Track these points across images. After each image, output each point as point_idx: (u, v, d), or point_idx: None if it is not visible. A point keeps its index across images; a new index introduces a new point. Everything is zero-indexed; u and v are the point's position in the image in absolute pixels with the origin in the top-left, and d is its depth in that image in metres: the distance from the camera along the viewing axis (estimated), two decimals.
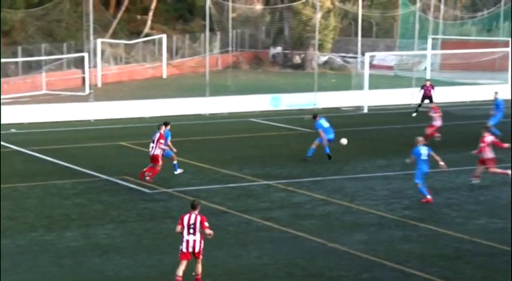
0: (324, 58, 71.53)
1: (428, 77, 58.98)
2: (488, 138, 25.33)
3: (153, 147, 25.94)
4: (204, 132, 36.88)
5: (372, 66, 58.84)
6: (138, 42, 63.71)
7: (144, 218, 21.48)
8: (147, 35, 67.03)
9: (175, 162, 27.01)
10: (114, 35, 62.78)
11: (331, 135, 28.96)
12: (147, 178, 25.80)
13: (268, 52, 75.79)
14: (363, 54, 55.42)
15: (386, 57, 69.59)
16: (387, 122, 39.36)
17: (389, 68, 66.54)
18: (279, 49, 75.43)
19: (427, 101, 40.64)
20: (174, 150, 27.01)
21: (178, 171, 27.01)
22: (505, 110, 36.86)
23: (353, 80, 49.95)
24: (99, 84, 53.56)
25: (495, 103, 36.60)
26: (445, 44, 68.75)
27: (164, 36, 64.91)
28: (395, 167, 27.76)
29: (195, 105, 43.26)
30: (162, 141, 25.86)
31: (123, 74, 59.62)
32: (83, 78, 52.62)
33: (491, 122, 34.49)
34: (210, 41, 54.43)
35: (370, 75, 45.86)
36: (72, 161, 29.08)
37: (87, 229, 20.34)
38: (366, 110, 44.13)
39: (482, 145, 25.22)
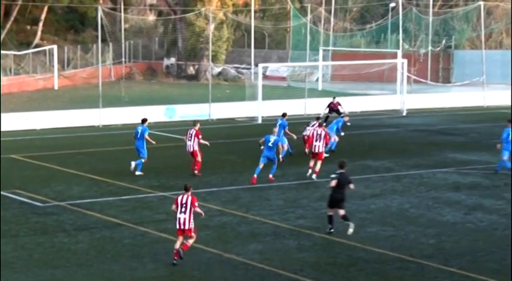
0: (217, 69, 71.85)
1: (320, 88, 60.22)
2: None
3: (189, 145, 28.63)
4: (98, 144, 36.44)
5: (265, 77, 59.46)
6: (28, 53, 62.45)
7: (36, 232, 21.05)
8: (37, 46, 65.83)
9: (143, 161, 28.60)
10: (2, 46, 61.33)
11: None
12: (196, 172, 28.39)
13: (162, 63, 75.61)
14: (256, 65, 55.99)
15: (279, 69, 70.46)
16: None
17: (283, 79, 67.38)
18: (172, 60, 75.35)
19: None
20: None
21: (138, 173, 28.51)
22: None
23: (247, 91, 50.36)
24: None
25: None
26: (336, 56, 70.13)
27: (55, 47, 63.86)
28: (290, 177, 28.10)
29: (88, 116, 42.71)
30: (200, 136, 28.67)
31: (12, 86, 58.26)
32: None
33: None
34: (102, 51, 53.83)
35: (264, 86, 46.32)
36: None
37: None
38: (260, 121, 44.52)
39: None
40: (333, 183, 20.67)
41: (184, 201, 18.12)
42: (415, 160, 31.89)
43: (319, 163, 27.57)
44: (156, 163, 31.10)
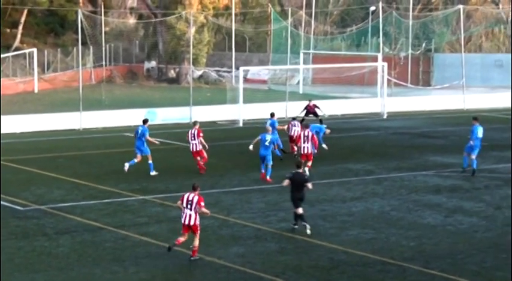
0: (198, 72, 71.80)
1: (301, 91, 60.34)
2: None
3: (193, 144, 29.50)
4: (78, 148, 36.32)
5: (246, 80, 59.54)
6: (7, 56, 62.15)
7: (16, 236, 20.95)
8: (17, 49, 65.52)
9: (150, 162, 29.23)
10: None
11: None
12: (202, 166, 29.64)
13: (142, 66, 75.48)
14: (237, 68, 56.07)
15: (260, 72, 70.55)
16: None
17: (263, 82, 67.45)
18: (153, 63, 75.23)
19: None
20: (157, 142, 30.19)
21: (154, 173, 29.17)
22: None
23: (228, 94, 50.37)
24: None
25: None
26: (317, 59, 70.31)
27: (35, 50, 63.59)
28: (271, 180, 28.09)
29: (68, 120, 42.58)
30: (202, 135, 29.61)
31: None
32: None
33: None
34: (82, 55, 53.69)
35: (245, 89, 46.36)
36: None
37: None
38: (241, 124, 44.56)
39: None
40: (285, 183, 21.49)
41: (190, 199, 18.78)
42: (396, 162, 32.03)
43: (309, 162, 28.44)
44: (137, 167, 31.04)
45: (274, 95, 52.99)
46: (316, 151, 29.46)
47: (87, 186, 27.21)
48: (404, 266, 18.44)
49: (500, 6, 76.76)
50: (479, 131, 29.29)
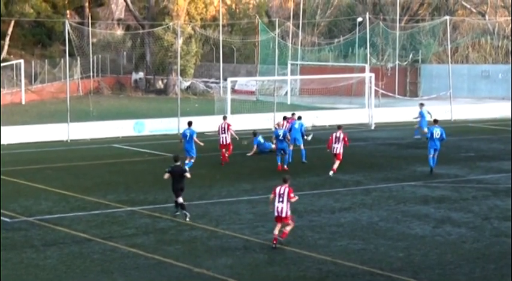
0: (186, 83, 71.81)
1: (289, 101, 60.42)
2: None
3: (223, 137, 33.18)
4: (66, 159, 36.22)
5: (234, 91, 59.63)
6: None
7: (4, 248, 20.82)
8: (4, 60, 65.35)
9: (188, 162, 31.28)
10: None
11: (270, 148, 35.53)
12: (226, 158, 33.32)
13: (130, 77, 75.42)
14: (224, 79, 56.12)
15: (248, 83, 70.59)
16: (250, 147, 39.83)
17: (251, 93, 67.50)
18: (141, 74, 75.19)
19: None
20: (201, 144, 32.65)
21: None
22: None
23: (216, 105, 50.38)
24: None
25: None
26: (304, 70, 70.46)
27: (22, 62, 63.46)
28: (259, 191, 28.12)
29: (56, 131, 42.44)
30: (231, 128, 33.45)
31: None
32: None
33: None
34: (70, 66, 53.60)
35: (233, 100, 46.41)
36: None
37: None
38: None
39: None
40: (166, 176, 24.04)
41: (282, 192, 20.40)
42: (384, 173, 32.08)
43: (337, 162, 31.06)
44: (125, 178, 31.05)
45: (262, 106, 53.03)
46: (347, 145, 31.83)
47: (75, 197, 27.12)
48: (393, 277, 18.45)
49: (487, 17, 77.16)
50: (435, 132, 31.89)
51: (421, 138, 40.28)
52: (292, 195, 20.61)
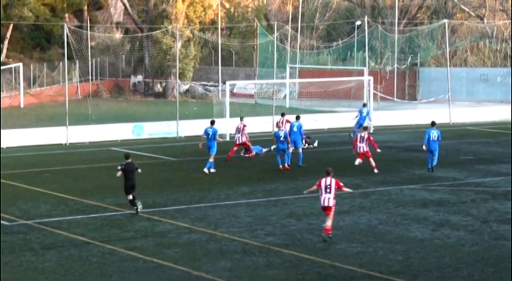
0: (185, 87, 71.83)
1: (287, 105, 60.42)
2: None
3: (238, 137, 35.64)
4: (65, 162, 36.20)
5: (232, 94, 59.60)
6: None
7: (3, 251, 20.80)
8: (3, 64, 65.33)
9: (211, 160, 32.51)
10: None
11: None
12: (251, 155, 36.12)
13: (129, 80, 75.41)
14: (223, 82, 56.11)
15: (246, 86, 70.61)
16: None
17: (250, 96, 67.52)
18: (140, 77, 75.20)
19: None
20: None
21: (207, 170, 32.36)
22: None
23: (214, 108, 50.34)
24: None
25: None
26: (303, 73, 70.51)
27: (21, 65, 63.45)
28: (258, 194, 28.13)
29: (55, 134, 42.43)
30: (245, 128, 35.76)
31: None
32: None
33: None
34: (69, 69, 53.63)
35: (231, 104, 46.37)
36: None
37: None
38: (227, 138, 44.42)
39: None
40: (119, 174, 24.70)
41: (328, 183, 21.37)
42: (383, 176, 32.08)
43: (371, 160, 32.65)
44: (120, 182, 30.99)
45: (261, 109, 53.04)
46: (377, 150, 33.69)
47: (73, 201, 27.10)
48: (392, 280, 18.43)
49: (485, 20, 77.25)
50: (432, 135, 32.68)
51: (352, 137, 39.93)
52: (341, 184, 21.78)
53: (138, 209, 24.59)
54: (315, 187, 21.92)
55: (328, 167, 22.08)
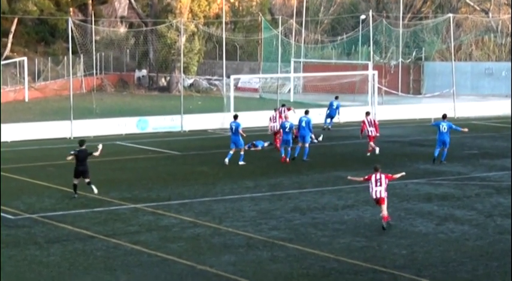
0: (189, 81, 71.83)
1: (292, 99, 60.42)
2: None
3: (274, 126, 37.23)
4: None
5: (237, 88, 59.63)
6: None
7: (7, 245, 20.85)
8: (7, 58, 65.42)
9: (242, 153, 32.98)
10: None
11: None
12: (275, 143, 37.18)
13: (133, 75, 75.43)
14: (228, 76, 56.07)
15: (251, 80, 70.63)
16: None
17: (255, 90, 67.49)
18: (144, 72, 75.22)
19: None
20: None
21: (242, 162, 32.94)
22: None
23: (219, 102, 50.38)
24: None
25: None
26: (307, 67, 70.42)
27: (25, 59, 63.49)
28: (263, 188, 28.13)
29: (59, 128, 42.48)
30: (283, 116, 36.15)
31: None
32: None
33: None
34: (73, 63, 53.63)
35: (236, 98, 46.42)
36: None
37: None
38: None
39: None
40: (69, 157, 26.55)
41: (378, 177, 22.41)
42: (387, 171, 31.67)
43: (372, 143, 35.34)
44: (128, 175, 31.08)
45: (266, 103, 53.04)
46: (377, 134, 35.77)
47: (78, 194, 27.11)
48: (396, 274, 18.44)
49: (490, 15, 77.09)
50: (441, 127, 33.35)
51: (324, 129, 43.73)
52: (390, 175, 22.97)
53: (95, 192, 26.20)
54: (361, 179, 23.09)
55: (376, 165, 23.08)
